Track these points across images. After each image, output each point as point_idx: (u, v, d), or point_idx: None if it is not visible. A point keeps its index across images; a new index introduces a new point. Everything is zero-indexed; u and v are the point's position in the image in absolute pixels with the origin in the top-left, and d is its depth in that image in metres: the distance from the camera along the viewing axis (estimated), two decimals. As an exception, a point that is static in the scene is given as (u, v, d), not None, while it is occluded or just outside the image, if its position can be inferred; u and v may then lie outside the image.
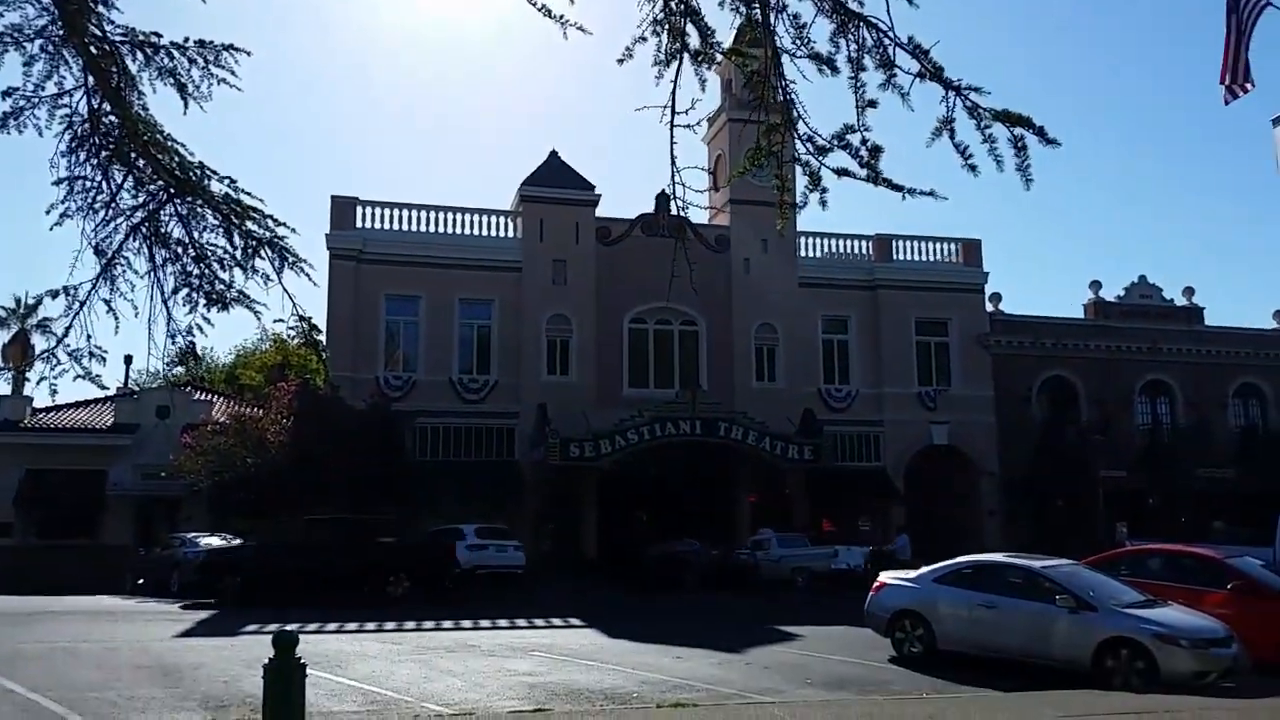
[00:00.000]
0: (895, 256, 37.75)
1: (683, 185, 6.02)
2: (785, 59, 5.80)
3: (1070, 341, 38.20)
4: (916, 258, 38.11)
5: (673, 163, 6.01)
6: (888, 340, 36.65)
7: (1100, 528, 32.86)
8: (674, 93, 5.89)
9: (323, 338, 10.05)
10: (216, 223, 8.04)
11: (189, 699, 10.79)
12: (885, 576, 15.52)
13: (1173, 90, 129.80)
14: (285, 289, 8.04)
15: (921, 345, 37.26)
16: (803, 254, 36.74)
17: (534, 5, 6.04)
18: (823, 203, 5.89)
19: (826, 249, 37.78)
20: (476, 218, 34.77)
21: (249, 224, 8.07)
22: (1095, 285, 39.93)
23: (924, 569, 15.14)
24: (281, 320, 8.10)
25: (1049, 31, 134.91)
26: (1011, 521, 35.06)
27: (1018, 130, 5.24)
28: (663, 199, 8.23)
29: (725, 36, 6.10)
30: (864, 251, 37.96)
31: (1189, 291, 40.87)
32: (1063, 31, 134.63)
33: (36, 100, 7.52)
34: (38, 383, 8.15)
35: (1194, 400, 39.22)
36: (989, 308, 38.30)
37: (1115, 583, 13.71)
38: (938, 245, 38.55)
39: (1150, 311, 39.90)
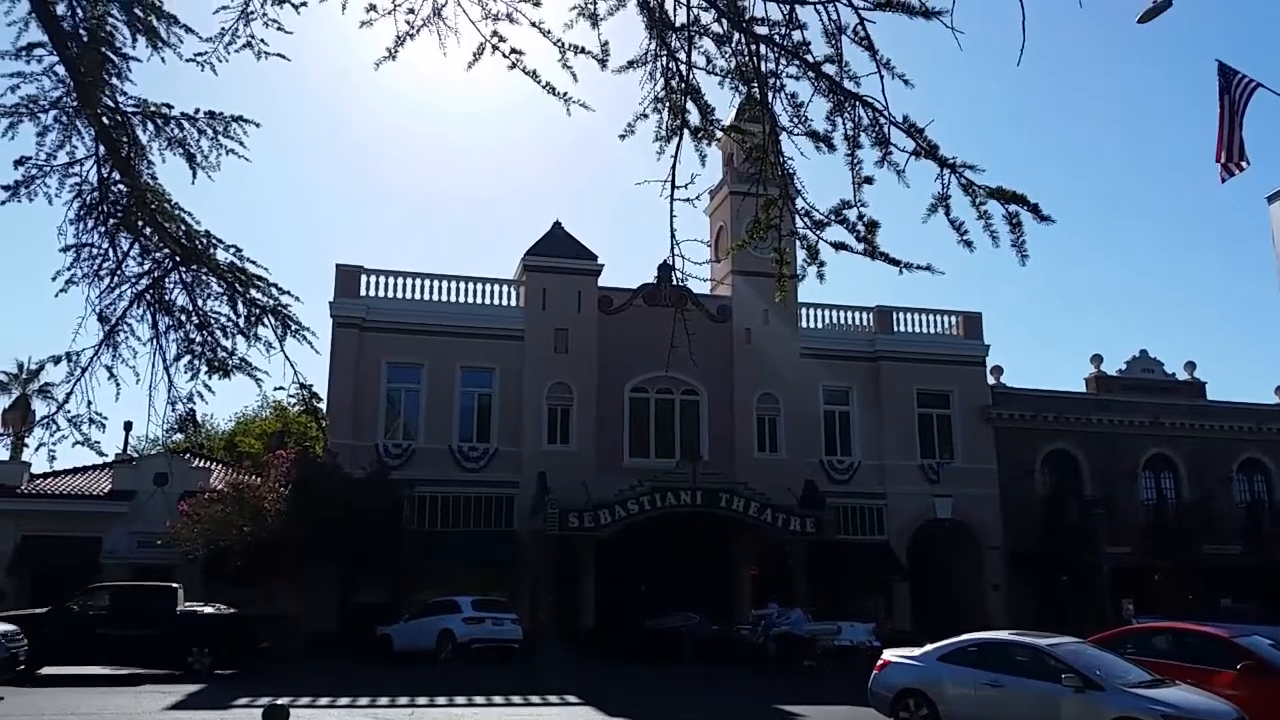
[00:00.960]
0: (896, 328, 37.89)
1: (682, 257, 6.09)
2: (783, 136, 5.91)
3: (1072, 415, 38.12)
4: (917, 330, 38.26)
5: (672, 235, 6.09)
6: (890, 412, 36.59)
7: (1106, 604, 32.39)
8: (674, 167, 5.99)
9: (323, 405, 10.07)
10: (221, 290, 8.09)
11: (175, 775, 10.52)
12: (889, 654, 15.27)
13: (1172, 165, 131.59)
14: (287, 356, 8.06)
15: (924, 417, 37.19)
16: (804, 325, 36.89)
17: (539, 84, 6.17)
18: (820, 276, 5.94)
19: (828, 320, 37.96)
20: (479, 286, 35.00)
21: (253, 292, 8.12)
22: (1097, 359, 39.99)
23: (929, 646, 14.90)
24: (282, 388, 8.11)
25: (1046, 107, 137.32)
26: (1016, 596, 34.60)
27: (1012, 207, 5.30)
28: (664, 269, 8.29)
29: (725, 113, 6.22)
30: (865, 323, 38.12)
31: (1190, 366, 40.91)
32: (1060, 108, 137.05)
33: (48, 169, 7.63)
34: (37, 448, 8.13)
35: (1198, 475, 38.99)
36: (990, 380, 38.30)
37: (1122, 662, 13.46)
38: (938, 318, 38.72)
39: (1152, 386, 39.88)
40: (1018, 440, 37.39)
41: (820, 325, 37.55)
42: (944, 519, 35.83)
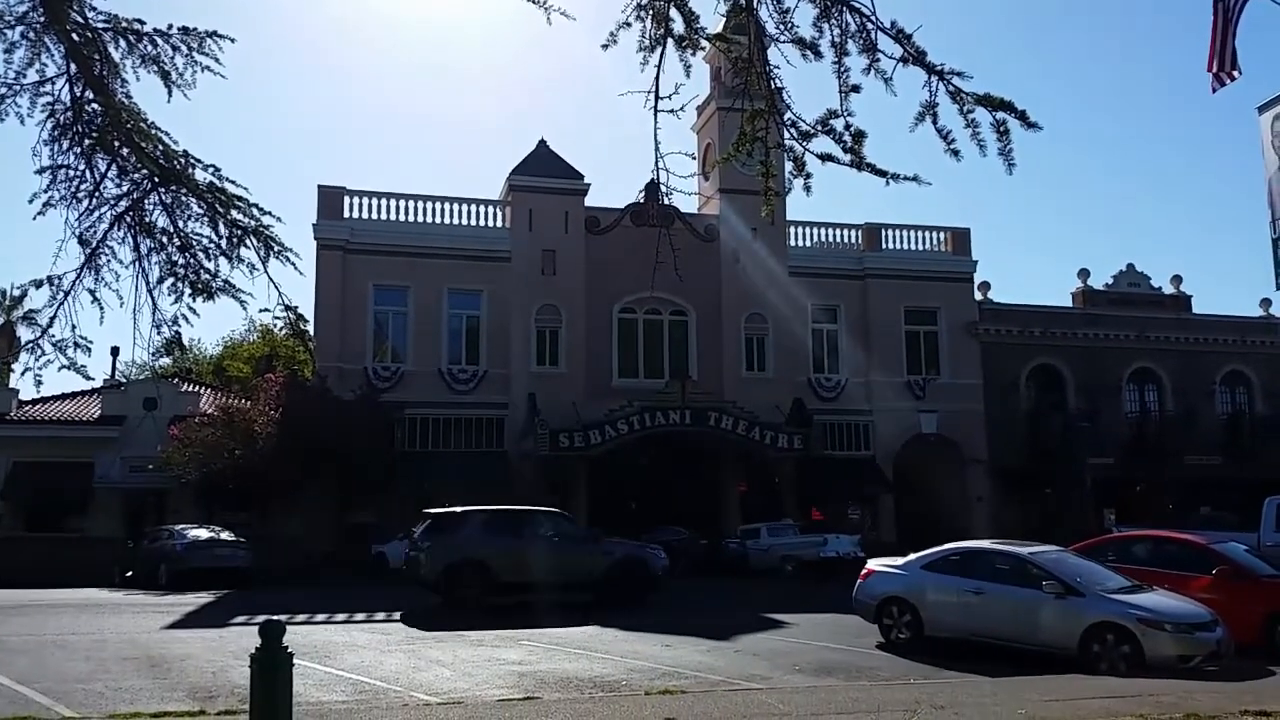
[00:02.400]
0: (884, 245, 37.78)
1: (667, 170, 6.03)
2: (769, 44, 5.81)
3: (1058, 330, 38.34)
4: (905, 247, 38.17)
5: (656, 147, 6.02)
6: (877, 330, 36.70)
7: (1088, 515, 33.01)
8: (658, 77, 5.90)
9: (310, 328, 10.02)
10: (201, 212, 7.99)
11: (176, 690, 10.77)
12: (873, 564, 15.58)
13: (1161, 75, 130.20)
14: (271, 278, 8.01)
15: (911, 334, 37.33)
16: (792, 243, 36.73)
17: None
18: (807, 188, 5.90)
19: (816, 238, 37.80)
20: (465, 207, 34.64)
21: (234, 213, 8.03)
22: (1084, 274, 40.06)
23: (912, 556, 15.20)
24: (267, 310, 8.08)
25: (1035, 16, 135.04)
26: (1000, 509, 35.22)
27: (1000, 114, 5.26)
28: (651, 187, 8.20)
29: (710, 22, 6.10)
30: (853, 241, 38.00)
31: (1177, 280, 41.03)
32: (1050, 17, 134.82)
33: (18, 88, 7.46)
34: (22, 373, 8.14)
35: (1181, 388, 39.42)
36: (978, 296, 38.38)
37: (1101, 568, 13.80)
38: (927, 234, 38.61)
39: (1138, 300, 40.05)
40: (1004, 355, 37.66)
41: (808, 244, 37.41)
42: (929, 434, 36.25)
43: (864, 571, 15.44)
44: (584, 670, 12.30)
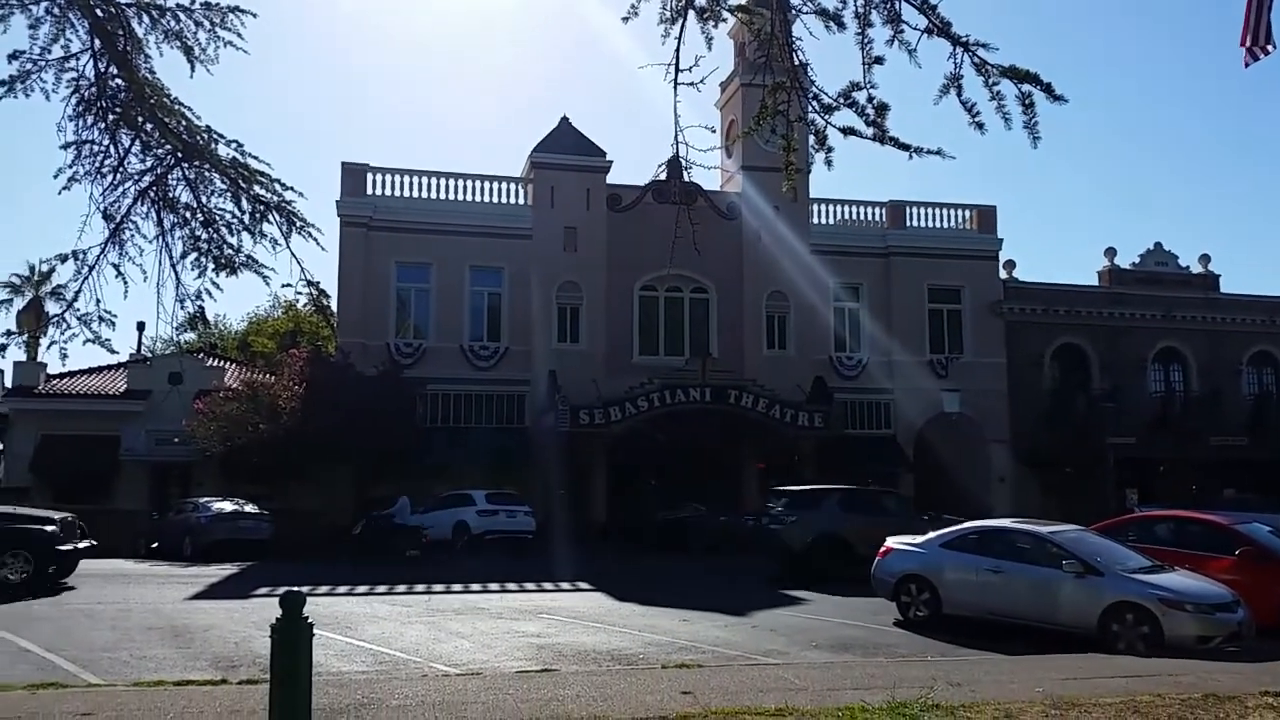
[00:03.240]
0: (909, 223, 37.47)
1: (687, 145, 6.00)
2: (793, 16, 5.75)
3: (1084, 309, 37.99)
4: (930, 224, 37.85)
5: (676, 122, 5.99)
6: (900, 308, 36.48)
7: (1110, 495, 32.82)
8: (678, 50, 5.86)
9: (332, 303, 10.08)
10: (224, 187, 8.04)
11: (200, 659, 10.94)
12: (892, 542, 15.55)
13: (1191, 51, 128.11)
14: (293, 253, 8.07)
15: (934, 312, 37.07)
16: (815, 221, 36.46)
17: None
18: (828, 162, 5.86)
19: (839, 216, 37.53)
20: (487, 184, 34.65)
21: (256, 188, 8.07)
22: (1110, 252, 39.64)
23: (931, 534, 15.18)
24: (290, 285, 8.14)
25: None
26: (1022, 489, 35.04)
27: (1025, 87, 5.19)
28: (673, 164, 8.16)
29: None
30: (877, 218, 37.70)
31: (1205, 259, 40.53)
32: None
33: (43, 64, 7.51)
34: (49, 347, 8.22)
35: (1207, 368, 39.01)
36: (1002, 275, 38.05)
37: (1122, 548, 13.72)
38: (952, 212, 38.26)
39: (1165, 279, 39.60)
40: (1028, 334, 37.38)
41: (831, 221, 37.16)
42: (951, 413, 36.07)
43: (882, 549, 15.42)
44: (602, 643, 12.38)
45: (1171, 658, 11.23)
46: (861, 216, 37.83)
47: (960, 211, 38.33)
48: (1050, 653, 11.72)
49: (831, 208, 37.27)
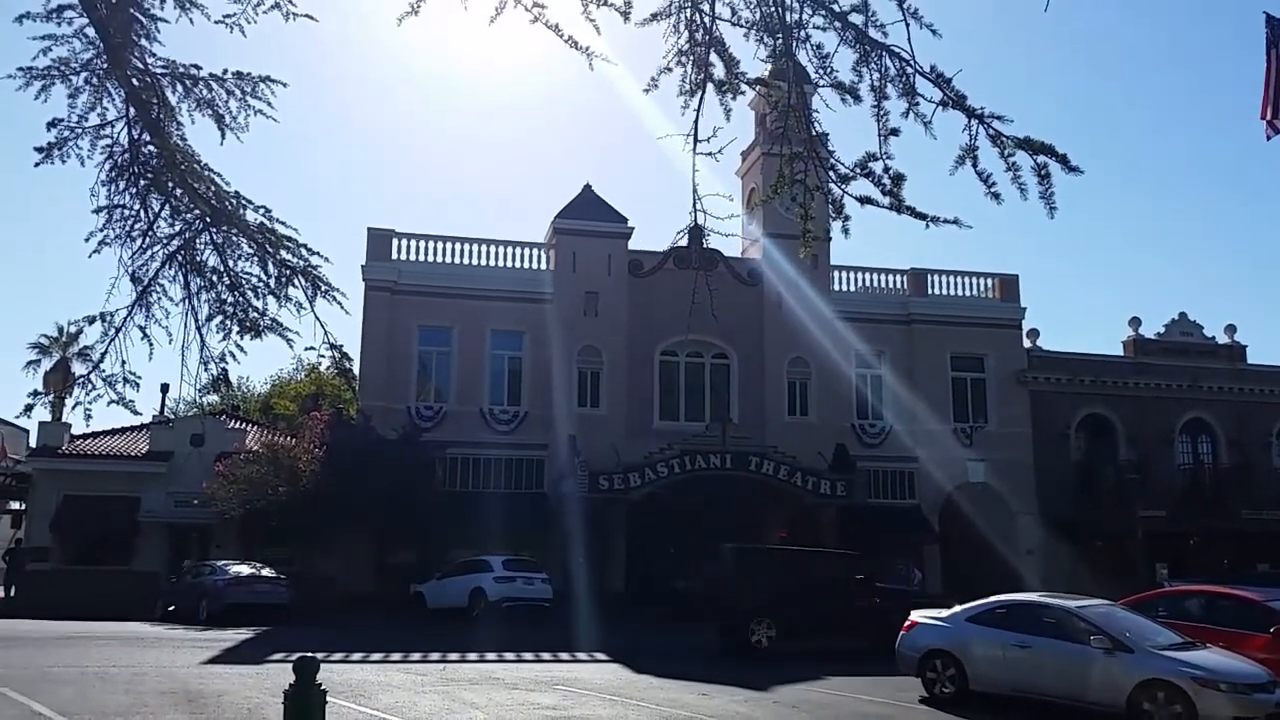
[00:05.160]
0: (930, 291, 37.50)
1: (705, 213, 6.05)
2: (809, 89, 5.84)
3: (1109, 379, 37.67)
4: (952, 292, 37.85)
5: (694, 190, 6.05)
6: (923, 375, 36.31)
7: (1140, 569, 32.15)
8: (696, 121, 5.95)
9: (355, 366, 10.15)
10: (251, 251, 8.15)
11: (211, 725, 10.79)
12: (916, 616, 15.26)
13: (1213, 122, 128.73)
14: (318, 317, 8.13)
15: (958, 381, 36.89)
16: (836, 288, 36.57)
17: (562, 38, 6.12)
18: (845, 231, 5.89)
19: (860, 283, 37.63)
20: (510, 250, 35.06)
21: (283, 253, 8.17)
22: (1135, 322, 39.43)
23: (957, 608, 14.89)
24: (313, 348, 8.19)
25: (1081, 62, 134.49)
26: (1049, 561, 34.41)
27: (1040, 158, 5.20)
28: (693, 231, 8.23)
29: (752, 67, 6.13)
30: (899, 286, 37.77)
31: (1231, 329, 40.21)
32: (1096, 62, 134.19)
33: (80, 131, 7.70)
34: (74, 408, 8.29)
35: (1236, 440, 38.45)
36: (1026, 344, 37.88)
37: (1152, 624, 13.39)
38: (973, 280, 38.26)
39: (1191, 349, 39.27)
40: (1053, 404, 37.05)
41: (853, 288, 37.25)
42: (977, 483, 35.64)
43: (907, 623, 15.12)
44: (618, 718, 12.13)
45: (1206, 740, 10.86)
46: (883, 284, 37.91)
47: (982, 280, 38.34)
48: (1079, 732, 11.38)
49: (853, 274, 37.40)
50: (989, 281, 38.34)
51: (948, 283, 37.92)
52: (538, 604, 26.86)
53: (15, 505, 37.62)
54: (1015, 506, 35.55)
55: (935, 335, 36.59)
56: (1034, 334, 38.20)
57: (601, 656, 19.22)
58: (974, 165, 5.37)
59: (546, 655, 19.25)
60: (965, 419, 36.44)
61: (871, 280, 37.86)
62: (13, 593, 31.12)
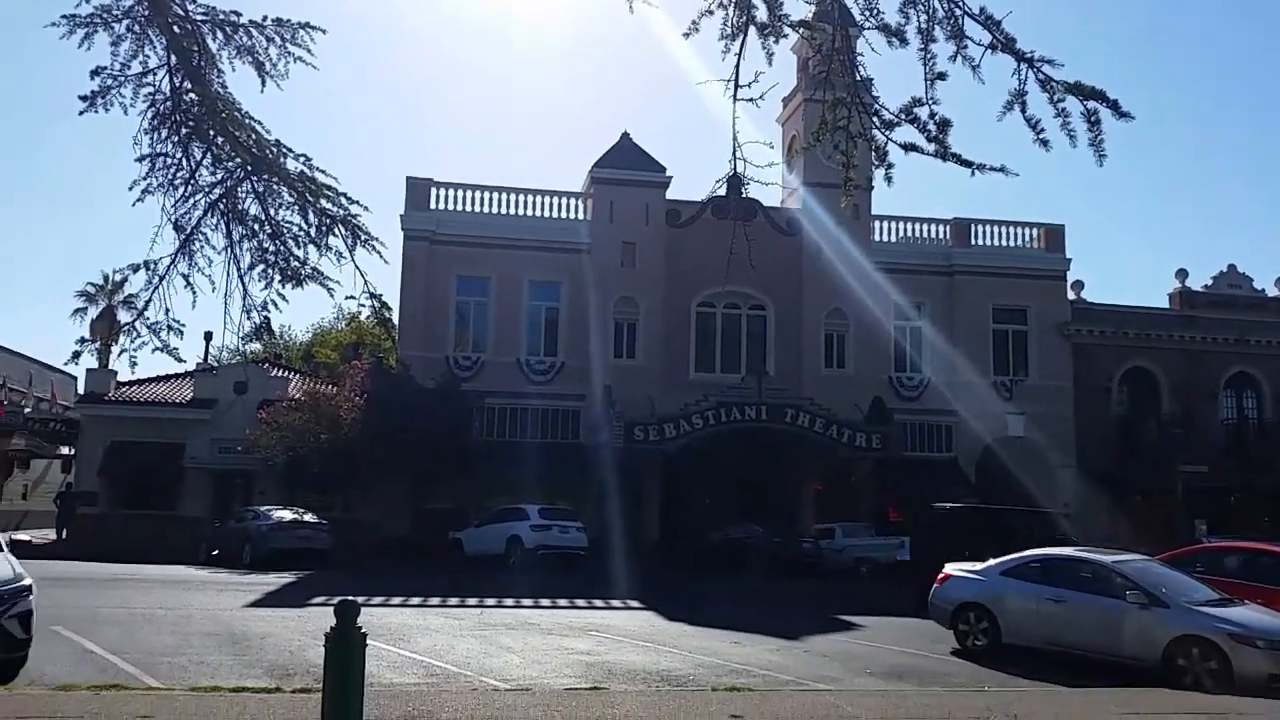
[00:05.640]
0: (974, 241, 36.91)
1: (745, 161, 5.96)
2: (854, 32, 5.71)
3: (1154, 332, 37.03)
4: (996, 243, 37.22)
5: (734, 138, 5.96)
6: (963, 328, 35.90)
7: (1179, 524, 31.85)
8: (738, 65, 5.84)
9: (394, 316, 10.21)
10: (292, 200, 8.20)
11: (255, 666, 11.09)
12: (950, 569, 15.24)
13: (1268, 71, 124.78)
14: (357, 266, 8.19)
15: (999, 333, 36.43)
16: (877, 238, 36.06)
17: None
18: (888, 178, 5.79)
19: (902, 233, 37.09)
20: (547, 199, 34.98)
21: (323, 201, 8.22)
22: (1181, 274, 38.66)
23: (991, 561, 14.86)
24: (353, 297, 8.26)
25: (1134, 5, 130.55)
26: (1087, 516, 34.15)
27: (1091, 104, 5.07)
28: (732, 180, 8.08)
29: (795, 9, 6.00)
30: (941, 236, 37.21)
31: (1280, 282, 39.32)
32: (1148, 4, 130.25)
33: (122, 79, 7.74)
34: (119, 355, 8.48)
35: (1282, 395, 37.75)
36: (1070, 295, 37.28)
37: (1189, 580, 13.30)
38: (1018, 230, 37.58)
39: (1239, 302, 38.46)
40: (1096, 357, 36.53)
41: (894, 239, 36.74)
42: (1015, 436, 35.34)
43: (941, 576, 15.12)
44: (651, 663, 12.29)
45: (1240, 696, 10.81)
46: (925, 234, 37.37)
47: (1027, 230, 37.68)
48: (1112, 685, 11.37)
49: (894, 225, 36.88)
50: (1034, 232, 37.67)
51: (992, 233, 37.30)
52: (573, 552, 27.18)
53: (65, 450, 38.56)
54: (1054, 460, 35.24)
55: (977, 287, 36.09)
56: (1078, 286, 37.57)
57: (635, 604, 19.44)
58: (1023, 111, 5.25)
59: (581, 602, 19.51)
60: (1006, 372, 36.06)
61: (913, 230, 37.33)
62: (64, 535, 32.03)
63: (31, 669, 9.97)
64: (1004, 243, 37.33)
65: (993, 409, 35.32)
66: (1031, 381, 35.96)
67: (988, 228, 37.31)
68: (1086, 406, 35.94)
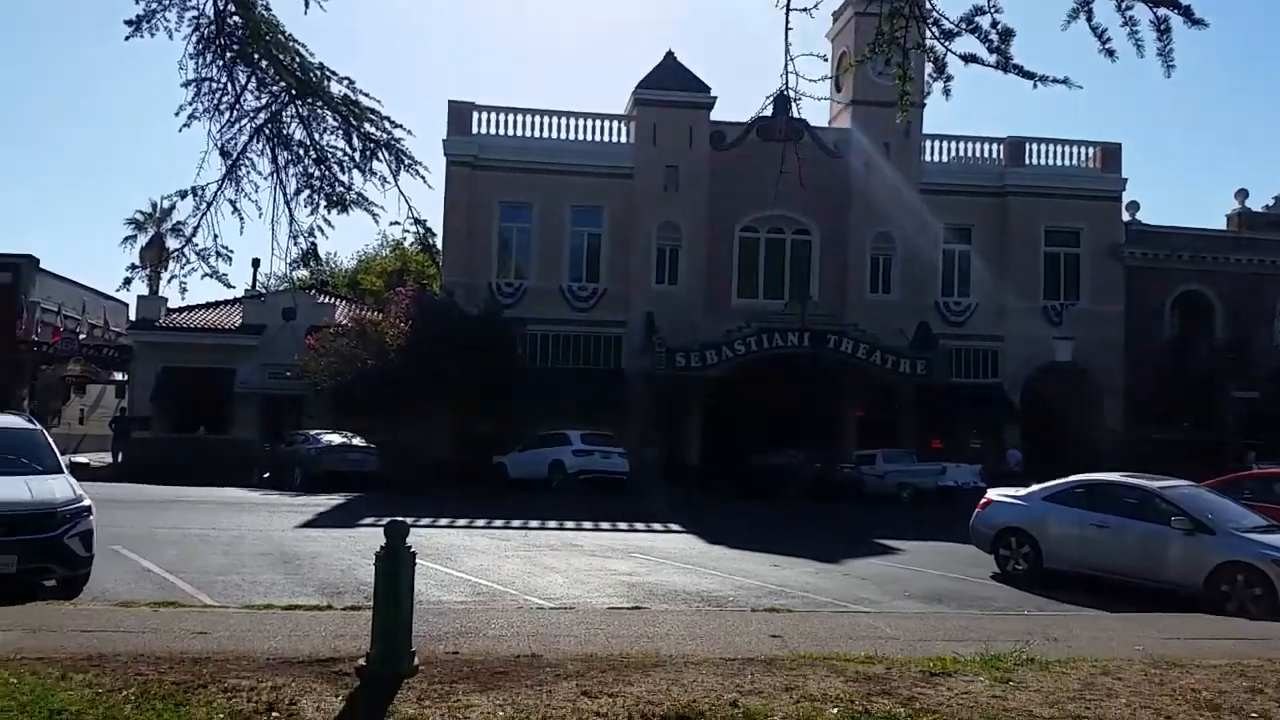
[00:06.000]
0: (1028, 161, 35.93)
1: (797, 75, 5.77)
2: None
3: (1210, 255, 36.03)
4: (1050, 163, 36.21)
5: (786, 50, 5.75)
6: (1014, 251, 35.18)
7: (1229, 451, 31.41)
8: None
9: (438, 242, 10.23)
10: (336, 124, 8.18)
11: (306, 585, 11.43)
12: (992, 493, 15.23)
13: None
14: (401, 191, 8.19)
15: (1050, 256, 35.67)
16: (927, 159, 35.24)
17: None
18: (947, 92, 5.58)
19: (953, 153, 36.20)
20: (590, 122, 34.55)
21: (367, 125, 8.20)
22: (1241, 194, 37.49)
23: (1034, 487, 14.80)
24: (398, 223, 8.29)
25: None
26: (1134, 442, 33.78)
27: (1161, 10, 4.83)
28: (780, 99, 7.88)
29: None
30: (994, 156, 36.24)
31: (1345, 203, 38.00)
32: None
33: (167, 3, 7.72)
34: (169, 281, 8.62)
35: (1342, 320, 36.76)
36: (1125, 217, 36.34)
37: (1236, 506, 13.15)
38: (1074, 149, 36.48)
39: (1299, 224, 37.29)
40: (1149, 280, 35.72)
41: (944, 159, 35.89)
42: (1063, 362, 34.89)
43: (982, 501, 15.12)
44: (692, 584, 12.48)
45: (1286, 623, 10.75)
46: (977, 154, 36.43)
47: (1082, 149, 36.56)
48: (1154, 611, 11.36)
49: (945, 144, 35.96)
50: (1089, 151, 36.57)
51: (1046, 152, 36.24)
52: (614, 477, 27.51)
53: (119, 376, 39.49)
54: (1102, 386, 34.79)
55: (1030, 208, 35.26)
56: (1134, 207, 36.58)
57: (676, 528, 19.68)
58: (1088, 19, 5.02)
59: (623, 525, 19.78)
60: (1055, 296, 35.40)
61: (965, 150, 36.39)
62: (119, 459, 32.98)
63: (94, 586, 10.37)
64: (1059, 162, 36.32)
65: (1041, 334, 34.83)
66: (1082, 306, 35.32)
67: (1042, 146, 36.25)
68: (1137, 331, 35.27)
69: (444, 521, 18.92)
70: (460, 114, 33.59)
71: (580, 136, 34.31)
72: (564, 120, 34.33)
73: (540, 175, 33.20)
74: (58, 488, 10.42)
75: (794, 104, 6.22)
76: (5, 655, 6.96)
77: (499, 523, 19.22)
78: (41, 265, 36.75)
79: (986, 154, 36.39)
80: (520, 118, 34.13)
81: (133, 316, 36.05)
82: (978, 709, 6.28)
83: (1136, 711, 6.38)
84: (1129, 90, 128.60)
